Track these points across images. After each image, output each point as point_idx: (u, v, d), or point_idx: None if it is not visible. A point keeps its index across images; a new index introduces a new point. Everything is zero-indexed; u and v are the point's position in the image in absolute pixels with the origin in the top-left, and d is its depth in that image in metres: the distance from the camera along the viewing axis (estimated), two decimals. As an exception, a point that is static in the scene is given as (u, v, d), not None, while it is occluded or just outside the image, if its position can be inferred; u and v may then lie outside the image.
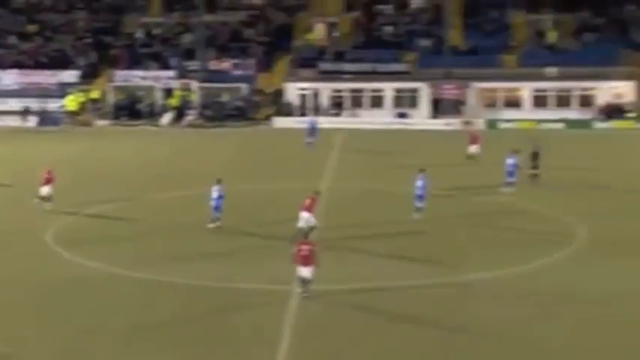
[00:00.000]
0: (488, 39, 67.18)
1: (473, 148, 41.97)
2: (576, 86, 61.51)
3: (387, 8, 72.76)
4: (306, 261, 20.61)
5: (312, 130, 48.68)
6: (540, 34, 67.74)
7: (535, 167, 35.87)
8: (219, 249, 24.95)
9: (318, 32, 70.99)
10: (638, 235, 26.51)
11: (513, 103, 63.29)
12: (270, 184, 35.27)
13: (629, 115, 59.39)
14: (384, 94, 64.18)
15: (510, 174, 34.10)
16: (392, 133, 56.98)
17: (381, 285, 21.38)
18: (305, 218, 25.38)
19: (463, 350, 17.20)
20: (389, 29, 70.27)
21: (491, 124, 60.19)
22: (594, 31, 66.51)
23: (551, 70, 62.73)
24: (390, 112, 63.52)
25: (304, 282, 20.71)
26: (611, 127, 58.23)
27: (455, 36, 67.40)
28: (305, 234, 24.57)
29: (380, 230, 27.21)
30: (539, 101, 62.25)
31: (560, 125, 59.21)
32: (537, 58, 64.03)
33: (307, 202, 25.72)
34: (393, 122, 61.80)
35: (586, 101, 61.60)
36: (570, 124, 59.22)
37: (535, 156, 36.08)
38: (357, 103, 64.39)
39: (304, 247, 20.87)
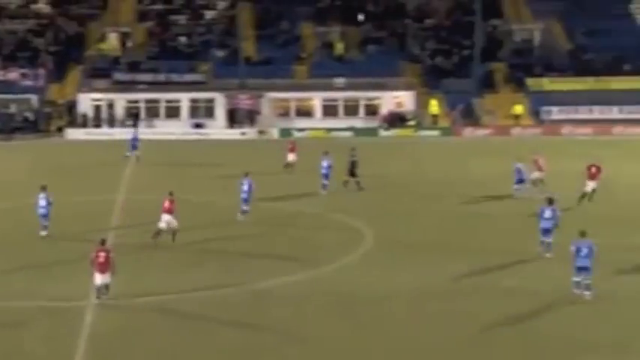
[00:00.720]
0: (280, 50, 69.34)
1: (291, 157, 42.37)
2: (362, 96, 64.89)
3: (181, 19, 73.30)
4: (103, 268, 20.53)
5: (134, 143, 47.42)
6: (328, 45, 70.81)
7: (353, 175, 36.81)
8: (19, 263, 24.75)
9: (112, 42, 70.32)
10: (420, 238, 28.29)
11: (305, 112, 65.76)
12: (66, 197, 34.90)
13: (410, 123, 63.52)
14: (180, 105, 64.67)
15: (325, 176, 35.69)
16: (189, 144, 57.51)
17: (181, 294, 21.76)
18: (166, 220, 26.17)
19: (266, 351, 18.12)
20: (183, 39, 70.87)
21: (285, 133, 62.27)
22: (377, 44, 70.49)
23: (340, 81, 65.77)
24: (187, 122, 64.13)
25: (101, 289, 20.63)
26: (394, 134, 62.05)
27: (249, 47, 69.01)
28: (103, 240, 24.59)
29: (183, 238, 27.31)
30: (329, 110, 65.05)
31: (348, 133, 62.29)
32: (326, 68, 66.87)
33: (166, 204, 26.32)
34: (190, 132, 62.48)
35: (371, 110, 65.19)
36: (358, 132, 62.47)
37: (353, 165, 37.04)
38: (153, 113, 64.47)
39: (101, 253, 20.74)
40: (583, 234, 21.79)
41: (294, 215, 32.24)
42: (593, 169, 33.76)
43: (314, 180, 36.73)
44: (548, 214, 25.54)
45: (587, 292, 21.57)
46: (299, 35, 71.68)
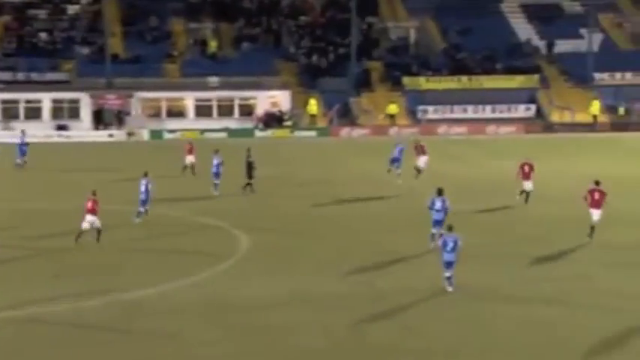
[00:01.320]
0: (149, 47, 67.02)
1: (189, 159, 41.11)
2: (237, 95, 63.43)
3: (41, 13, 69.67)
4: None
5: (22, 149, 44.54)
6: (201, 42, 68.98)
7: (250, 177, 36.31)
8: None
9: (-36, 38, 66.23)
10: (294, 242, 27.69)
11: (177, 112, 63.75)
12: None
13: (286, 123, 62.47)
14: (41, 105, 61.37)
15: (216, 175, 35.72)
16: (52, 147, 54.76)
17: (43, 307, 20.49)
18: (89, 220, 26.16)
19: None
20: (44, 36, 67.33)
21: (156, 134, 60.10)
22: (251, 41, 69.11)
23: (213, 80, 64.11)
24: (49, 124, 60.89)
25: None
26: (270, 135, 60.83)
27: (116, 44, 66.36)
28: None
29: (46, 248, 26.29)
30: (203, 111, 63.31)
31: (223, 134, 60.69)
32: (199, 67, 65.12)
33: (89, 204, 26.13)
34: (53, 135, 59.33)
35: (246, 110, 63.76)
36: (232, 133, 60.94)
37: (249, 166, 36.50)
38: (10, 114, 60.89)
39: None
40: (450, 228, 21.82)
41: (171, 220, 31.13)
42: (526, 168, 32.79)
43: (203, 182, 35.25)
44: (438, 205, 25.58)
45: (449, 288, 21.67)
46: (169, 32, 69.64)
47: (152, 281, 23.01)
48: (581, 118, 63.89)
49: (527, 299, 21.26)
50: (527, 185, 32.82)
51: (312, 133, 61.10)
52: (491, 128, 62.26)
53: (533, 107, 65.10)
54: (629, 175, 40.32)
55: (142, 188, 29.88)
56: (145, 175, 30.18)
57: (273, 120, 62.61)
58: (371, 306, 20.80)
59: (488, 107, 64.83)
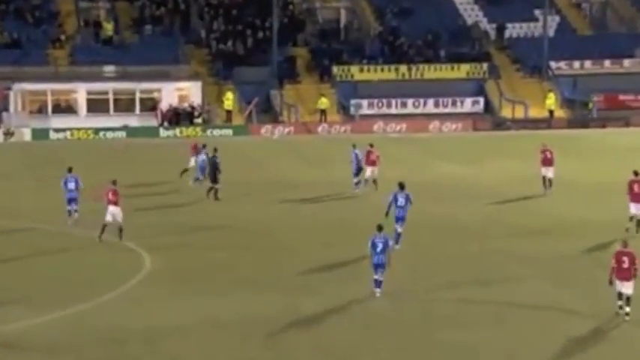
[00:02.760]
0: (31, 30, 66.13)
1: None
2: (138, 87, 62.94)
3: None
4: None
5: None
6: (94, 24, 68.32)
7: (215, 181, 36.68)
8: None
9: None
10: (205, 260, 27.73)
11: (66, 108, 62.97)
12: None
13: (197, 120, 62.23)
14: None
15: (202, 170, 38.51)
16: None
17: None
18: (112, 212, 28.11)
19: None
20: None
21: (40, 134, 59.15)
22: (154, 23, 68.72)
23: (109, 69, 63.55)
24: None
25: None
26: (178, 134, 60.51)
27: (-10, 26, 65.33)
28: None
29: None
30: (97, 106, 62.62)
31: (121, 134, 60.17)
32: (92, 53, 64.51)
33: (110, 194, 28.18)
34: None
35: (149, 105, 63.31)
36: (133, 131, 60.45)
37: (215, 167, 36.82)
38: None
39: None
40: (380, 228, 23.07)
41: (59, 237, 30.82)
42: (548, 154, 37.82)
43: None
44: (401, 201, 27.56)
45: (378, 292, 23.10)
46: (56, 11, 68.84)
47: (36, 310, 22.66)
48: (536, 112, 65.32)
49: (473, 323, 21.75)
50: (549, 172, 37.58)
51: (228, 132, 61.11)
52: (434, 125, 63.17)
53: (481, 101, 66.32)
54: (583, 179, 41.43)
55: (72, 185, 31.42)
56: (69, 170, 31.86)
57: (180, 116, 62.31)
58: (293, 333, 20.87)
59: (431, 101, 65.81)
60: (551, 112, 64.77)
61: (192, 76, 64.35)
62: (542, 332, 20.84)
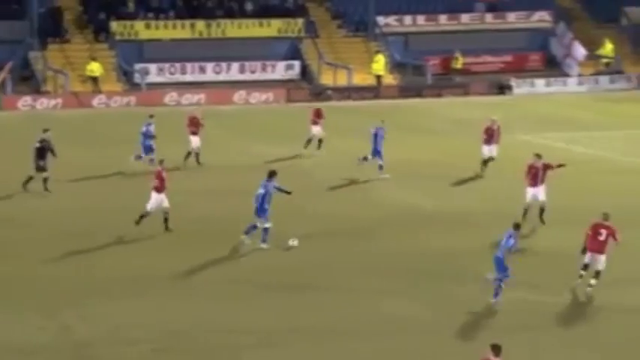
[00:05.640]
0: None
1: (194, 141, 42.94)
2: None
3: None
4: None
5: None
6: None
7: (41, 169, 36.87)
8: None
9: None
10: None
11: None
12: None
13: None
14: None
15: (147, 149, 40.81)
16: None
17: None
18: (157, 199, 30.22)
19: None
20: None
21: None
22: None
23: None
24: None
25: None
26: None
27: None
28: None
29: None
30: None
31: None
32: None
33: (158, 178, 30.37)
34: None
35: None
36: None
37: (40, 152, 36.85)
38: None
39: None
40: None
41: None
42: (495, 129, 40.56)
43: None
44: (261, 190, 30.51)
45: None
46: None
47: None
48: (362, 79, 66.41)
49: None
50: (490, 150, 40.11)
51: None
52: (239, 95, 63.20)
53: (296, 65, 66.81)
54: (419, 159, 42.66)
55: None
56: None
57: None
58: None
59: (235, 65, 65.81)
60: (378, 78, 65.89)
61: None
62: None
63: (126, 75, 64.43)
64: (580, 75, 69.13)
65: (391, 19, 69.62)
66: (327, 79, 66.21)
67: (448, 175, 40.41)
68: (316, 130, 45.59)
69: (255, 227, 30.49)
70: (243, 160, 43.39)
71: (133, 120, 46.90)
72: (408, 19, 69.82)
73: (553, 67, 70.20)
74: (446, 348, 23.04)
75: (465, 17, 70.43)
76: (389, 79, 66.90)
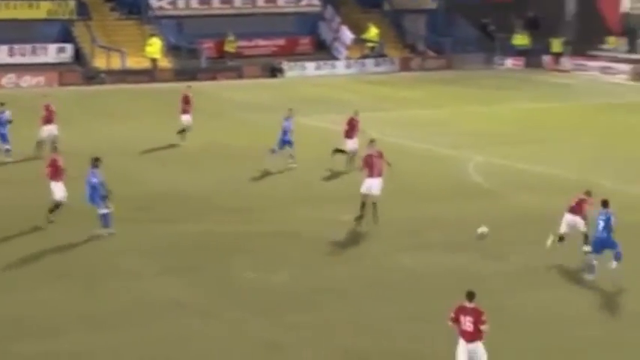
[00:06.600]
0: None
1: (185, 119, 43.31)
2: None
3: None
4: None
5: None
6: None
7: None
8: None
9: None
10: None
11: None
12: None
13: None
14: None
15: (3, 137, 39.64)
16: None
17: None
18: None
19: None
20: None
21: None
22: None
23: None
24: None
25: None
26: None
27: None
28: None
29: None
30: None
31: None
32: None
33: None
34: None
35: None
36: None
37: None
38: None
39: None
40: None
41: None
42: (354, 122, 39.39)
43: None
44: None
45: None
46: None
47: None
48: (136, 62, 66.30)
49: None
50: (352, 144, 38.75)
51: None
52: (9, 79, 62.09)
53: (69, 48, 66.00)
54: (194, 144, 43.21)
55: None
56: None
57: None
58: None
59: (4, 48, 64.46)
60: (154, 61, 65.91)
61: None
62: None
63: None
64: (348, 58, 71.40)
65: (164, 2, 69.49)
66: (100, 62, 65.69)
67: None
68: (185, 119, 43.90)
69: None
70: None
71: None
72: (181, 3, 69.94)
73: (322, 50, 72.12)
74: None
75: (237, 1, 71.17)
76: (164, 63, 67.02)
